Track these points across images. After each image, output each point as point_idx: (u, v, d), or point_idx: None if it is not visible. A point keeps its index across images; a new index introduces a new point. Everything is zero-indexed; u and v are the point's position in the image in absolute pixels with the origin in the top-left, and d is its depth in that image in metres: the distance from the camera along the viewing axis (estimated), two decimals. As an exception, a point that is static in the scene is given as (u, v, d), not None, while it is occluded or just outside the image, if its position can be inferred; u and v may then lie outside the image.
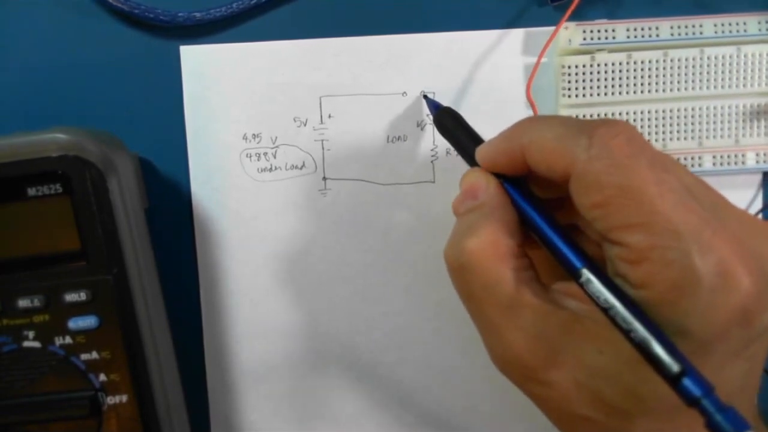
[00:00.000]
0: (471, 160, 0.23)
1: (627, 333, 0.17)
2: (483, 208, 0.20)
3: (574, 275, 0.18)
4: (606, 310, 0.17)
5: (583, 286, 0.18)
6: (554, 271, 0.20)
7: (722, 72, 0.28)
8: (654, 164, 0.17)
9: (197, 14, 0.28)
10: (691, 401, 0.15)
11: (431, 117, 0.28)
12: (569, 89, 0.28)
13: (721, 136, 0.29)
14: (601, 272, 0.18)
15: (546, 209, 0.20)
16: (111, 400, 0.24)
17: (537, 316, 0.19)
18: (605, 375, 0.18)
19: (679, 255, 0.16)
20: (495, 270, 0.19)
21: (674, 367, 0.16)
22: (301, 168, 0.29)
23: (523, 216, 0.21)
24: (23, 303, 0.24)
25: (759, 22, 0.28)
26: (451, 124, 0.25)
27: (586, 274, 0.18)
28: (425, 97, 0.29)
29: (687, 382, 0.16)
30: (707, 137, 0.29)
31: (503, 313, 0.19)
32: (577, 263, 0.18)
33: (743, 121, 0.29)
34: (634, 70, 0.28)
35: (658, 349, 0.16)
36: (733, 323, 0.16)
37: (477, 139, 0.23)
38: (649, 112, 0.29)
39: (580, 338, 0.18)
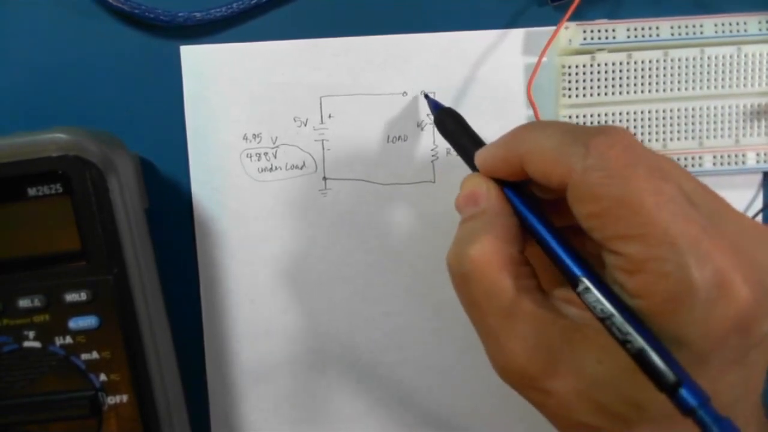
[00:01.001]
0: (471, 163, 0.22)
1: (624, 343, 0.17)
2: (484, 216, 0.20)
3: (572, 284, 0.18)
4: (603, 320, 0.17)
5: (580, 295, 0.18)
6: (556, 276, 0.20)
7: (722, 72, 0.28)
8: (652, 173, 0.17)
9: (197, 14, 0.28)
10: (687, 411, 0.15)
11: (432, 117, 0.28)
12: (569, 89, 0.28)
13: (722, 136, 0.29)
14: (600, 281, 0.18)
15: (546, 215, 0.20)
16: (111, 400, 0.24)
17: (537, 325, 0.19)
18: (605, 384, 0.18)
19: (675, 267, 0.16)
20: (496, 279, 0.19)
21: (671, 377, 0.16)
22: (301, 168, 0.29)
23: (523, 222, 0.20)
24: (23, 303, 0.24)
25: (759, 22, 0.28)
26: (451, 125, 0.25)
27: (584, 283, 0.18)
28: (426, 96, 0.29)
29: (683, 392, 0.16)
30: (707, 137, 0.29)
31: (503, 321, 0.19)
32: (576, 272, 0.18)
33: (743, 121, 0.29)
34: (635, 70, 0.28)
35: (655, 359, 0.16)
36: (731, 333, 0.16)
37: (478, 142, 0.23)
38: (649, 112, 0.28)
39: (579, 347, 0.18)
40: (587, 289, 0.18)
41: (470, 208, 0.21)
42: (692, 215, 0.16)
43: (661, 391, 0.16)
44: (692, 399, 0.15)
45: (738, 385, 0.18)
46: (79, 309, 0.24)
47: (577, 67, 0.28)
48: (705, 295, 0.16)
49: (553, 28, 0.28)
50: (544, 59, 0.28)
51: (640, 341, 0.16)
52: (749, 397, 0.18)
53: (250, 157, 0.29)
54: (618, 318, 0.17)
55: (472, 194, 0.21)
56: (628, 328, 0.16)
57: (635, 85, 0.28)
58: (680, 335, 0.16)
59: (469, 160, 0.23)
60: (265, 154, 0.29)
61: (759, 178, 0.30)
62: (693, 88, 0.28)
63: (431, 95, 0.29)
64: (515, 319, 0.19)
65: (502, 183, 0.21)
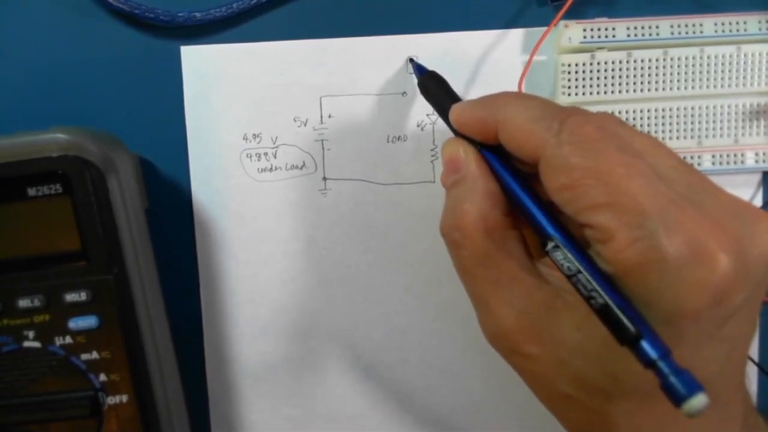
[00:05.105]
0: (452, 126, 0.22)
1: (589, 299, 0.17)
2: (465, 182, 0.21)
3: (542, 242, 0.19)
4: (570, 278, 0.17)
5: (549, 253, 0.18)
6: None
7: (722, 71, 0.28)
8: (623, 149, 0.17)
9: (197, 14, 0.28)
10: (647, 363, 0.16)
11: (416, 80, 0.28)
12: (569, 87, 0.28)
13: (721, 136, 0.29)
14: (571, 240, 0.18)
15: (523, 177, 0.20)
16: (111, 400, 0.24)
17: (522, 291, 0.19)
18: (583, 353, 0.18)
19: (644, 234, 0.16)
20: (483, 245, 0.20)
21: (632, 330, 0.16)
22: (301, 168, 0.29)
23: (500, 184, 0.21)
24: (23, 303, 0.24)
25: (759, 22, 0.28)
26: (435, 88, 0.25)
27: (553, 241, 0.18)
28: (411, 60, 0.28)
29: (644, 344, 0.16)
30: (707, 136, 0.29)
31: (491, 286, 0.20)
32: (546, 230, 0.19)
33: (743, 120, 0.29)
34: (634, 69, 0.28)
35: (617, 312, 0.16)
36: (705, 300, 0.16)
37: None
38: (648, 110, 0.29)
39: (560, 314, 0.19)
40: (556, 246, 0.18)
41: (452, 175, 0.21)
42: (662, 188, 0.17)
43: (623, 344, 0.16)
44: (652, 351, 0.16)
45: (716, 361, 0.18)
46: (79, 309, 0.24)
47: (576, 65, 0.28)
48: (676, 261, 0.16)
49: (554, 28, 0.28)
50: (544, 57, 0.28)
51: (603, 296, 0.16)
52: (731, 375, 0.18)
53: (250, 157, 0.29)
54: (584, 274, 0.17)
55: (451, 161, 0.21)
56: (593, 284, 0.17)
57: (635, 83, 0.28)
58: (651, 300, 0.16)
59: (450, 123, 0.23)
60: (265, 154, 0.29)
61: (758, 177, 0.30)
62: (692, 87, 0.28)
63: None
64: (502, 285, 0.19)
65: (479, 146, 0.21)
